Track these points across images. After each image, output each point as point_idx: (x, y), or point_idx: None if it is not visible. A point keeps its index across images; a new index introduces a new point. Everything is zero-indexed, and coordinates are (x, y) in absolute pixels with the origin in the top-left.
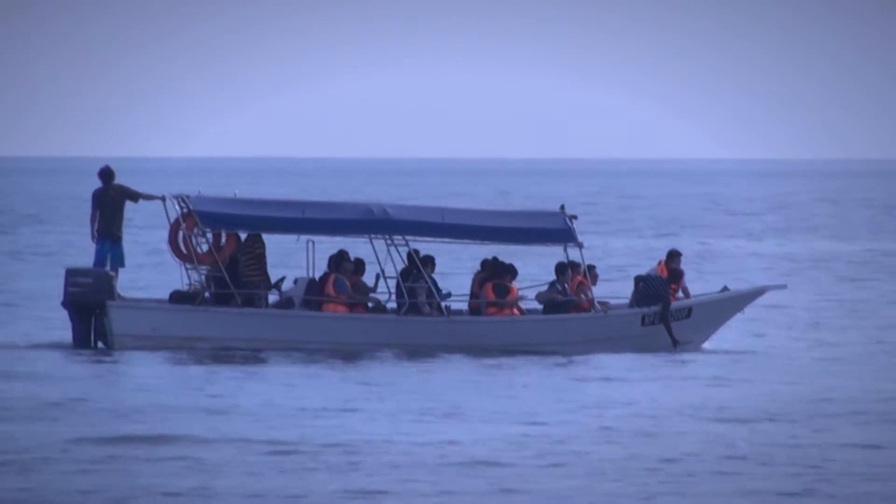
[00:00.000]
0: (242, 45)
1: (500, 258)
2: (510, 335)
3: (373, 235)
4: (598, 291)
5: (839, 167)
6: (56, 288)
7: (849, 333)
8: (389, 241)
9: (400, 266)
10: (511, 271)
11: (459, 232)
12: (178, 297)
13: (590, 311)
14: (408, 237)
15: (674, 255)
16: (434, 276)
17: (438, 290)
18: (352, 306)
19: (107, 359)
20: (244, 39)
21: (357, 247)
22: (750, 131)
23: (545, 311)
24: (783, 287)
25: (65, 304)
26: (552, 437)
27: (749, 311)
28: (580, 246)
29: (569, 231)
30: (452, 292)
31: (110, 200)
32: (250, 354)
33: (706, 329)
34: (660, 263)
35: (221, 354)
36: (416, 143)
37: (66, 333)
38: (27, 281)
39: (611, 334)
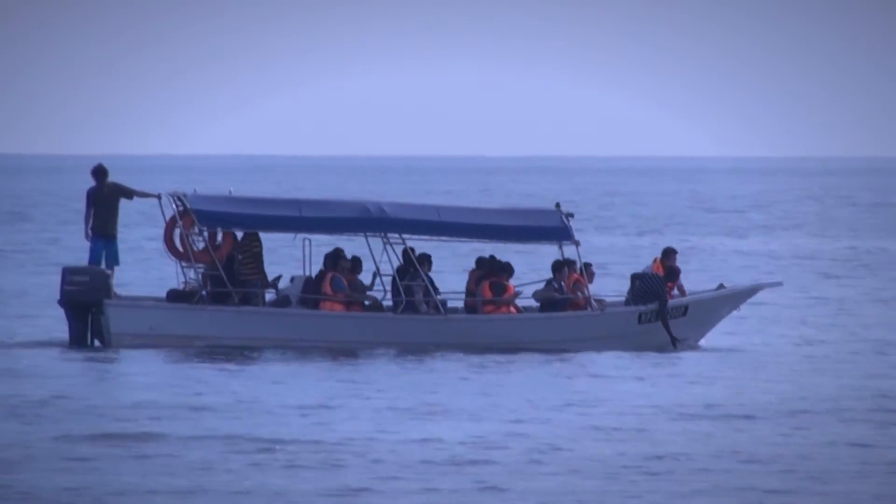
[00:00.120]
0: (224, 47)
1: (493, 256)
2: (507, 333)
3: (369, 233)
4: (595, 289)
5: (839, 165)
6: (40, 286)
7: (833, 331)
8: (385, 239)
9: (396, 264)
10: (508, 269)
11: (456, 230)
12: (175, 296)
13: (586, 308)
14: (404, 235)
15: (669, 253)
16: (430, 274)
17: (435, 288)
18: (349, 305)
19: (102, 357)
20: (229, 42)
21: (353, 245)
22: (749, 130)
23: (542, 309)
24: (779, 284)
25: (61, 302)
26: (538, 434)
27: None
28: (577, 244)
29: (565, 229)
30: (441, 290)
31: (104, 199)
32: (245, 353)
33: (702, 327)
34: (655, 261)
35: (216, 353)
36: (393, 141)
37: (57, 330)
38: (9, 278)
39: (607, 332)
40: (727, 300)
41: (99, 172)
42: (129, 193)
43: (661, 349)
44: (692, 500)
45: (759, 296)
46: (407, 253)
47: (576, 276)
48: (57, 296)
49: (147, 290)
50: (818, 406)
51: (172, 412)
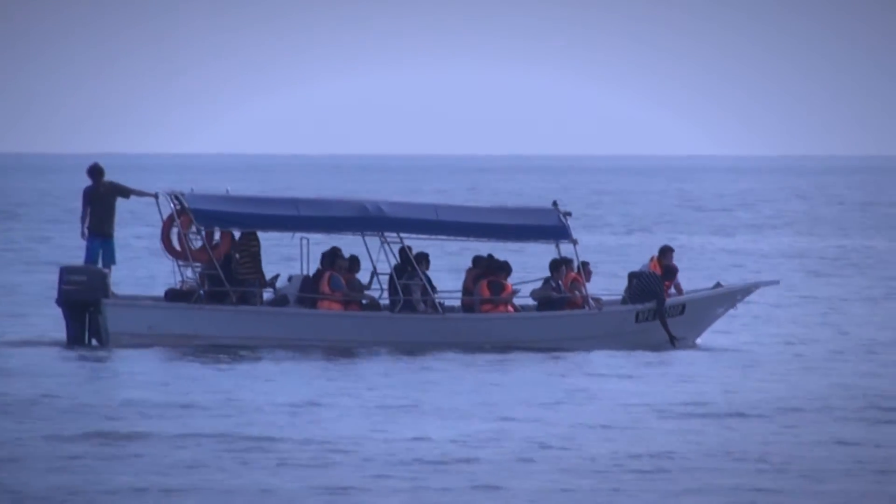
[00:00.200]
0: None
1: (491, 255)
2: (505, 332)
3: (366, 232)
4: (592, 288)
5: (838, 163)
6: (30, 284)
7: (823, 330)
8: (383, 238)
9: (394, 263)
10: (505, 268)
11: (453, 229)
12: (173, 295)
13: (584, 307)
14: (402, 234)
15: (666, 252)
16: (428, 272)
17: (433, 287)
18: (346, 304)
19: (96, 356)
20: (219, 44)
21: (351, 244)
22: (749, 129)
23: (539, 307)
24: (776, 283)
25: (59, 301)
26: (529, 433)
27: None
28: (574, 242)
29: (563, 227)
30: (438, 288)
31: (101, 198)
32: (238, 352)
33: (700, 325)
34: (652, 259)
35: (209, 352)
36: (390, 141)
37: (50, 329)
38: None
39: (605, 331)
40: (724, 299)
41: (95, 171)
42: (126, 192)
43: (656, 348)
44: (684, 498)
45: (750, 295)
46: (404, 252)
47: (573, 274)
48: (55, 295)
49: (137, 288)
50: (809, 405)
51: (163, 410)
